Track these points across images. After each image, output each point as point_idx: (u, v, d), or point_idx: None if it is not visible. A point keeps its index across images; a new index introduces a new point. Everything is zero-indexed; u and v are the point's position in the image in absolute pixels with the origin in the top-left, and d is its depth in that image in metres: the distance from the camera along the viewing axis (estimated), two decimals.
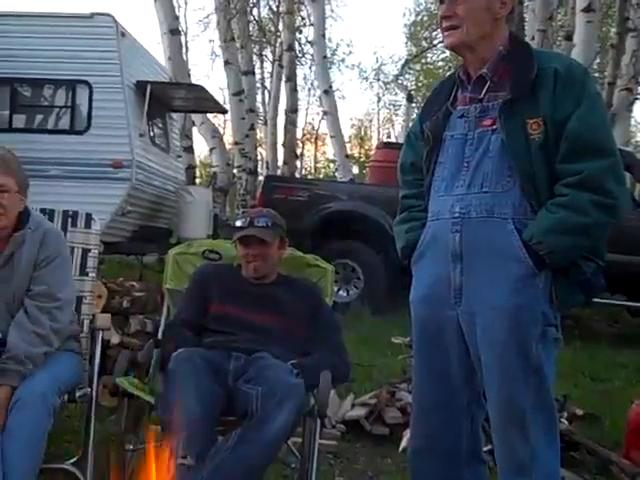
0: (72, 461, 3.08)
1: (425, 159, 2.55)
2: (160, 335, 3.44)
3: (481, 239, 2.36)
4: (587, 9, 10.52)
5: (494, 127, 2.37)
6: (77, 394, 2.95)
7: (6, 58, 8.28)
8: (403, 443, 3.98)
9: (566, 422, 4.18)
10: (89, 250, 3.44)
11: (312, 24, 18.04)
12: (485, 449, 2.64)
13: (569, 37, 12.86)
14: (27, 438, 2.63)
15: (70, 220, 3.45)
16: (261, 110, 25.52)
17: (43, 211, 3.40)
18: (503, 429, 2.37)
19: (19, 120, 8.67)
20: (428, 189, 2.54)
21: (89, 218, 3.49)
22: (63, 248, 3.11)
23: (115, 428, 3.35)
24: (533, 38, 12.33)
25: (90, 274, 3.43)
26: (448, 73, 2.93)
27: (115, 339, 4.74)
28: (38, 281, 2.95)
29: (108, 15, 8.40)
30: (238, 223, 3.38)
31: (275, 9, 24.01)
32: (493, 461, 2.53)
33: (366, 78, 31.30)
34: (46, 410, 2.71)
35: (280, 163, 19.81)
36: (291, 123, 17.79)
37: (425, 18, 26.53)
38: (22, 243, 2.94)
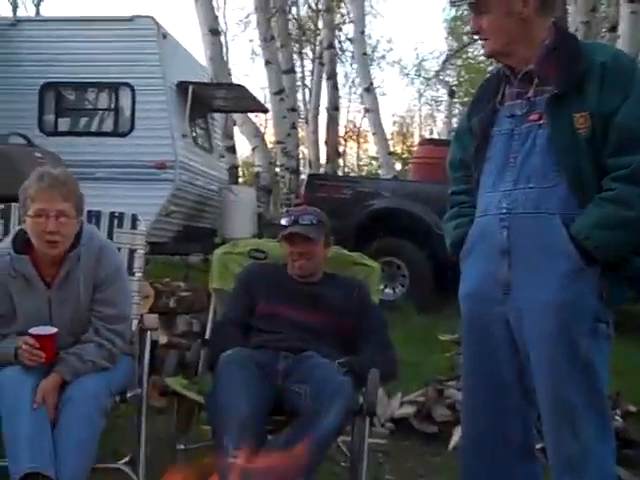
0: (125, 461, 3.10)
1: (473, 155, 2.53)
2: (208, 335, 3.45)
3: (529, 235, 2.33)
4: (632, 0, 10.33)
5: (541, 122, 2.34)
6: (128, 394, 2.97)
7: (50, 63, 8.41)
8: (453, 441, 3.95)
9: (620, 419, 4.11)
10: (135, 250, 3.47)
11: (352, 21, 18.05)
12: (539, 446, 2.60)
13: (613, 28, 12.65)
14: (79, 437, 2.66)
15: (116, 221, 3.48)
16: (302, 109, 25.55)
17: (90, 213, 3.43)
18: (553, 426, 2.34)
19: (64, 124, 8.80)
20: (476, 185, 2.52)
21: (135, 219, 3.52)
22: (120, 263, 3.15)
23: (165, 428, 3.37)
24: (577, 30, 12.13)
25: (137, 274, 3.45)
26: (490, 68, 2.92)
27: (163, 339, 4.77)
28: (106, 303, 2.95)
29: (149, 17, 8.48)
30: (283, 221, 3.38)
31: (314, 7, 24.01)
32: (546, 459, 2.50)
33: (407, 74, 31.16)
34: (98, 410, 2.74)
35: (322, 161, 19.83)
36: (333, 121, 17.76)
37: (465, 12, 26.29)
38: (77, 261, 2.92)
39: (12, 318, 2.90)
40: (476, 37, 2.48)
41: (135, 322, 3.33)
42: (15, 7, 20.18)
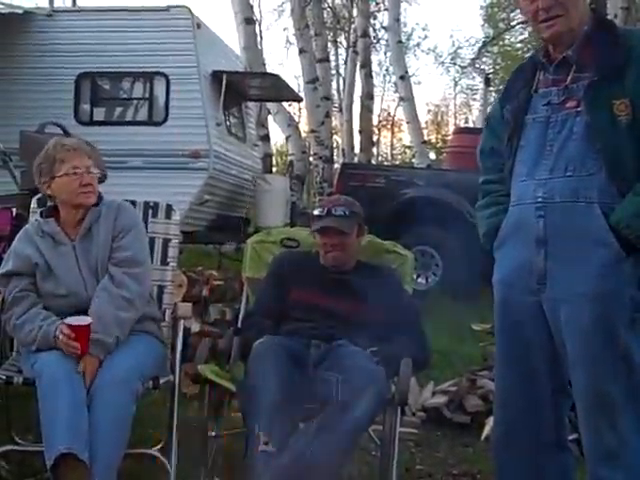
0: (157, 447, 3.13)
1: (506, 143, 2.50)
2: (240, 323, 3.47)
3: (566, 224, 2.31)
4: None
5: (578, 109, 2.31)
6: (161, 381, 3.00)
7: (86, 53, 8.47)
8: (485, 431, 3.94)
9: None
10: (170, 240, 3.48)
11: (386, 9, 17.96)
12: (571, 438, 2.58)
13: None
14: (112, 422, 2.69)
15: (151, 211, 3.50)
16: (336, 97, 25.48)
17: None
18: (590, 417, 2.32)
19: (99, 113, 8.86)
20: (510, 173, 2.49)
21: (169, 209, 3.53)
22: (137, 218, 3.29)
23: (197, 415, 3.40)
24: (615, 16, 11.97)
25: (171, 264, 3.47)
26: (527, 55, 2.86)
27: (196, 327, 4.81)
28: (121, 249, 3.10)
29: (184, 7, 8.50)
30: (316, 212, 3.37)
31: None
32: (579, 450, 2.48)
33: (442, 62, 30.87)
34: (129, 395, 2.77)
35: (356, 150, 19.77)
36: (367, 110, 17.70)
37: None
38: (98, 217, 3.12)
39: (47, 273, 3.07)
40: (544, 16, 2.30)
41: (168, 311, 3.36)
42: None
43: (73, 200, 3.09)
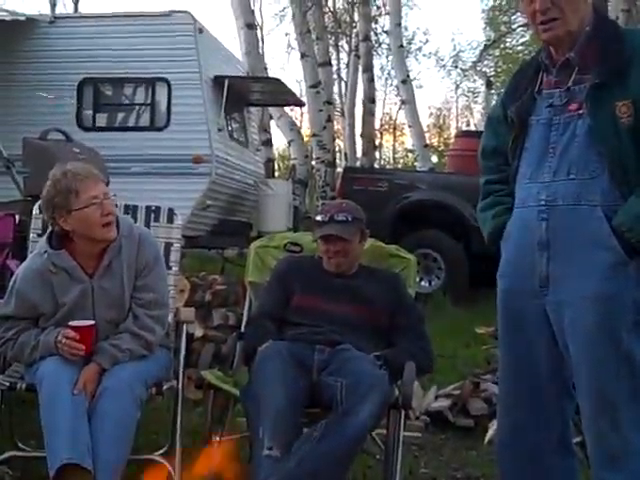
0: (160, 452, 3.13)
1: (511, 145, 2.48)
2: (243, 328, 3.47)
3: (569, 227, 2.30)
4: None
5: (580, 111, 2.29)
6: (164, 387, 3.00)
7: (88, 59, 8.50)
8: (489, 435, 3.92)
9: None
10: (171, 244, 3.49)
11: (388, 13, 17.96)
12: (575, 441, 2.57)
13: None
14: (116, 428, 2.69)
15: (153, 215, 3.51)
16: (338, 102, 25.50)
17: (127, 207, 3.46)
18: (594, 420, 2.31)
19: (101, 119, 8.89)
20: (514, 175, 2.48)
21: (171, 213, 3.54)
22: (159, 250, 3.19)
23: (201, 420, 3.40)
24: (617, 18, 11.96)
25: (173, 268, 3.47)
26: (528, 58, 2.84)
27: (199, 332, 4.80)
28: (146, 289, 3.01)
29: (186, 12, 8.53)
30: (318, 218, 3.36)
31: None
32: (583, 453, 2.47)
33: (444, 66, 30.91)
34: (133, 400, 2.76)
35: (359, 154, 19.76)
36: (369, 114, 17.68)
37: (504, 2, 26.02)
38: (119, 251, 2.98)
39: (53, 315, 2.95)
40: (541, 19, 2.26)
41: (171, 315, 3.34)
42: (54, 5, 20.40)
43: (95, 234, 2.91)
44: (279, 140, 27.97)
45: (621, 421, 2.25)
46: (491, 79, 26.23)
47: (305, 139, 16.26)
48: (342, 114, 23.58)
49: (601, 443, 2.30)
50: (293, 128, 15.08)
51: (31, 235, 3.43)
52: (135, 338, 2.94)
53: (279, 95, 10.22)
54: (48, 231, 3.06)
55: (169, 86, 8.44)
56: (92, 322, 2.86)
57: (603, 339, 2.24)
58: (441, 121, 38.07)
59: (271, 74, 17.25)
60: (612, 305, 2.23)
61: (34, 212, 3.46)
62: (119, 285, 2.97)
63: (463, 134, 11.66)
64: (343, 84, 26.66)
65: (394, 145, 36.99)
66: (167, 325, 3.17)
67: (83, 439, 2.61)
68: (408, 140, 28.94)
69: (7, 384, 2.92)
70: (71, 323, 2.84)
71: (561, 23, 2.28)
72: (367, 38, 17.40)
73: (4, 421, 3.19)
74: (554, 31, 2.30)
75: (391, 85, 29.67)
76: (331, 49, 22.51)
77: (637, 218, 2.20)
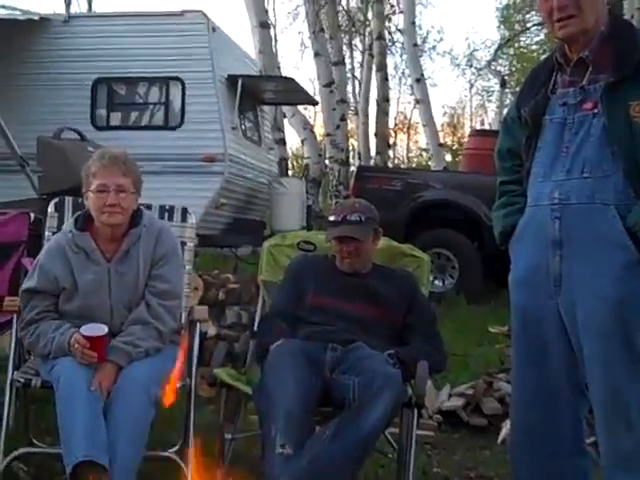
0: (174, 449, 3.14)
1: (524, 144, 2.48)
2: (256, 326, 3.47)
3: (582, 226, 2.29)
4: None
5: (595, 111, 2.29)
6: (177, 385, 3.00)
7: (102, 58, 8.52)
8: (502, 434, 3.92)
9: None
10: (185, 243, 3.49)
11: (402, 12, 17.93)
12: (588, 441, 2.56)
13: None
14: (131, 426, 2.70)
15: (167, 214, 3.51)
16: (352, 100, 25.49)
17: (140, 206, 3.46)
18: (607, 420, 2.31)
19: (115, 118, 8.91)
20: (527, 174, 2.48)
21: (185, 212, 3.54)
22: (177, 245, 3.23)
23: (214, 418, 3.40)
24: (632, 17, 11.91)
25: (187, 267, 3.47)
26: (543, 57, 2.83)
27: (212, 331, 4.81)
28: (161, 279, 3.05)
29: (199, 12, 8.54)
30: (331, 218, 3.35)
31: None
32: (596, 453, 2.46)
33: (458, 65, 30.89)
34: (148, 400, 2.77)
35: (372, 153, 19.76)
36: (383, 113, 17.70)
37: (518, 1, 25.95)
38: (138, 240, 3.04)
39: (73, 293, 3.00)
40: (559, 15, 2.27)
41: (185, 314, 3.34)
42: (68, 4, 20.45)
43: (98, 218, 3.00)
44: (293, 139, 27.98)
45: (635, 422, 2.25)
46: (505, 78, 26.11)
47: (319, 138, 16.29)
48: (356, 113, 23.56)
49: (613, 444, 2.30)
50: (306, 127, 15.11)
51: (46, 233, 3.44)
52: (146, 328, 2.95)
53: (292, 94, 10.22)
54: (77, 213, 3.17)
55: (183, 85, 8.45)
56: (105, 331, 2.86)
57: (617, 340, 2.24)
58: (455, 120, 38.01)
59: (284, 73, 17.33)
60: (626, 304, 2.23)
61: (49, 210, 3.48)
62: (135, 272, 3.03)
63: (477, 133, 11.63)
64: (357, 83, 26.64)
65: (408, 144, 36.97)
66: (179, 319, 3.19)
67: (100, 437, 2.63)
68: (422, 139, 28.95)
69: (22, 381, 2.93)
70: (83, 331, 2.83)
71: (578, 21, 2.29)
72: (381, 37, 17.41)
73: (19, 418, 3.20)
74: (570, 28, 2.30)
75: (405, 84, 29.64)
76: (345, 48, 22.50)
77: None
